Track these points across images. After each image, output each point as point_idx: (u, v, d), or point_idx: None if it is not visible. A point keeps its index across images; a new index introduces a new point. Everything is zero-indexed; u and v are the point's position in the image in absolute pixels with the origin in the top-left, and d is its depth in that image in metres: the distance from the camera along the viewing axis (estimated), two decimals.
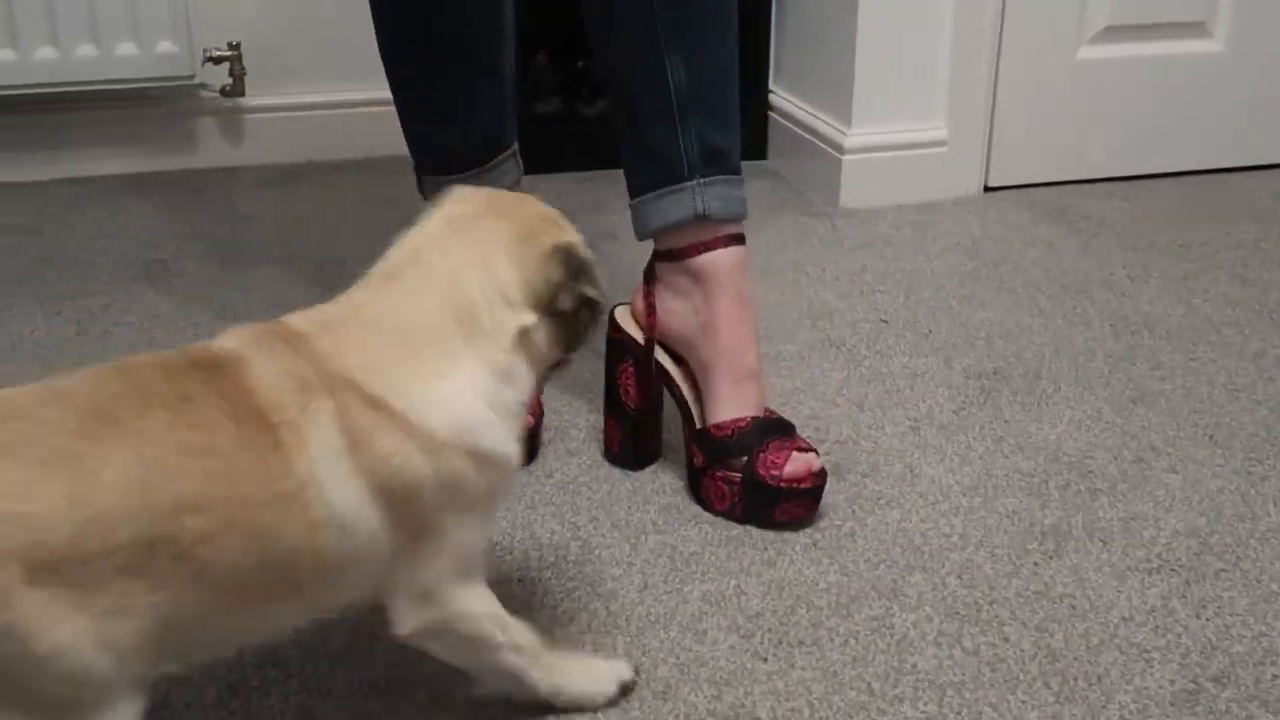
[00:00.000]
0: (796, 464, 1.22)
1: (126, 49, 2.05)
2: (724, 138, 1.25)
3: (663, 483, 1.30)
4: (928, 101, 2.08)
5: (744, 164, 1.28)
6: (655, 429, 1.34)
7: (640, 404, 1.31)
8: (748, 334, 1.26)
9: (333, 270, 1.79)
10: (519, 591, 1.13)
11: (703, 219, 1.24)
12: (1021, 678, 1.03)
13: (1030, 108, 2.13)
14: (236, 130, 2.23)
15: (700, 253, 1.25)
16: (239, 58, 2.16)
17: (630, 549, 1.19)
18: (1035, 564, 1.18)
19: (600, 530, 1.22)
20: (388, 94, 1.42)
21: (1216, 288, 1.79)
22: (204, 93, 2.18)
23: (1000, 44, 2.08)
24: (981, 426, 1.42)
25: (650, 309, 1.29)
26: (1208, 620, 1.10)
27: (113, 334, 1.61)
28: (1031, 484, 1.30)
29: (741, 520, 1.23)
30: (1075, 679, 1.03)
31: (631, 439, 1.32)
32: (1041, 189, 2.17)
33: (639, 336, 1.30)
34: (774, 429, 1.25)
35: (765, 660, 1.05)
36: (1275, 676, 1.03)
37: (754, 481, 1.22)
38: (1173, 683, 1.02)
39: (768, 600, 1.12)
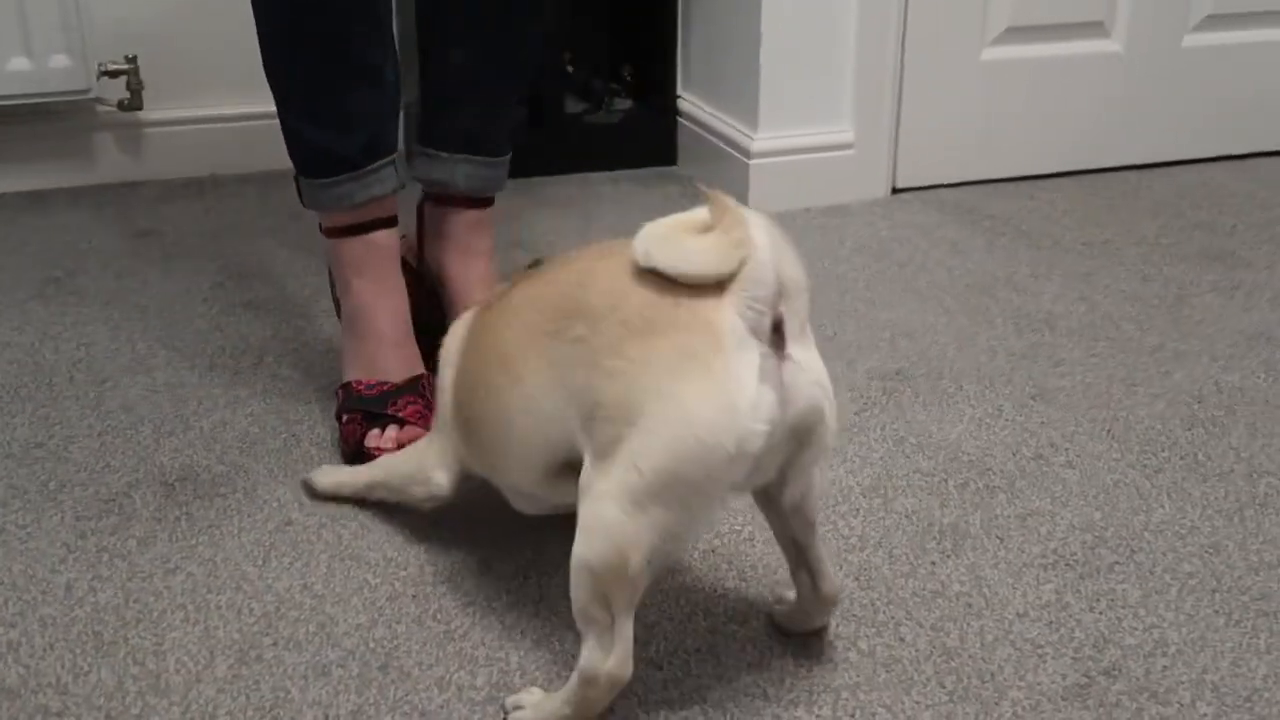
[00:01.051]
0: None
1: (19, 64, 2.00)
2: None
3: None
4: (833, 104, 2.09)
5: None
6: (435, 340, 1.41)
7: (425, 318, 1.46)
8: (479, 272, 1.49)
9: (233, 286, 1.76)
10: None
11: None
12: (916, 677, 1.03)
13: (936, 109, 2.14)
14: (135, 144, 2.18)
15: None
16: (136, 71, 2.11)
17: (532, 556, 1.18)
18: (933, 563, 1.18)
19: (494, 541, 1.21)
20: None
21: (1117, 284, 1.81)
22: (100, 107, 2.13)
23: (904, 46, 2.09)
24: (883, 427, 1.42)
25: (420, 240, 1.55)
26: (1100, 614, 1.11)
27: (0, 354, 1.57)
28: (931, 483, 1.31)
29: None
30: (969, 677, 1.03)
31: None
32: (949, 189, 2.18)
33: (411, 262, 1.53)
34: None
35: (660, 668, 1.04)
36: (1165, 668, 1.04)
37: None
38: (1064, 677, 1.03)
39: (665, 608, 1.11)
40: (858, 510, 1.26)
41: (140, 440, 1.38)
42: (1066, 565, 1.18)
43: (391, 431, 1.32)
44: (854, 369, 1.55)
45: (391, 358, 1.38)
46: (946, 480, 1.32)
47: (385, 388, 1.35)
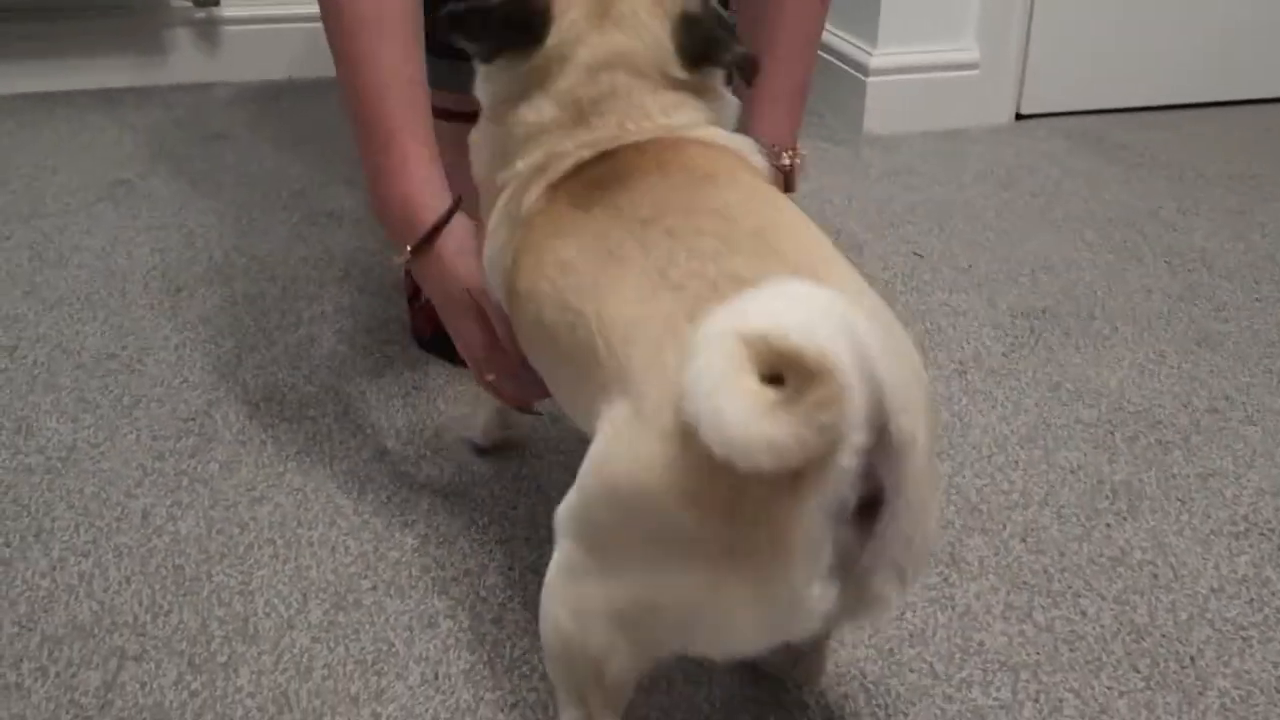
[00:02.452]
0: None
1: None
2: None
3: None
4: (958, 21, 1.92)
5: None
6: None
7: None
8: None
9: (311, 196, 1.64)
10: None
11: None
12: (1105, 659, 0.90)
13: (1067, 31, 1.97)
14: (211, 43, 2.06)
15: None
16: None
17: None
18: (1108, 526, 1.04)
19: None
20: None
21: (1274, 222, 1.65)
22: (176, 3, 2.00)
23: None
24: (1034, 371, 1.28)
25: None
26: None
27: (70, 259, 1.45)
28: (1096, 435, 1.17)
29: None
30: (1166, 660, 0.90)
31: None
32: (1077, 117, 2.02)
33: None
34: None
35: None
36: None
37: None
38: (1276, 665, 0.90)
39: None
40: (1016, 462, 1.13)
41: (221, 355, 1.26)
42: (1261, 534, 1.04)
43: None
44: (994, 305, 1.41)
45: None
46: (1113, 433, 1.18)
47: None
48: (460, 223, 0.94)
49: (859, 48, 1.93)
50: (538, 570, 0.96)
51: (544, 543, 1.00)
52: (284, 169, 1.72)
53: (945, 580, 0.97)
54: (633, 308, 0.69)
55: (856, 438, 0.58)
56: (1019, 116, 2.01)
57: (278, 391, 1.20)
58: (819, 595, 0.63)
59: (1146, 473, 1.12)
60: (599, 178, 0.79)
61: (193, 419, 1.15)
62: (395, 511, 1.04)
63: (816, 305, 0.58)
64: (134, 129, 1.86)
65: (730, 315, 0.58)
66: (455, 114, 1.20)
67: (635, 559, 0.66)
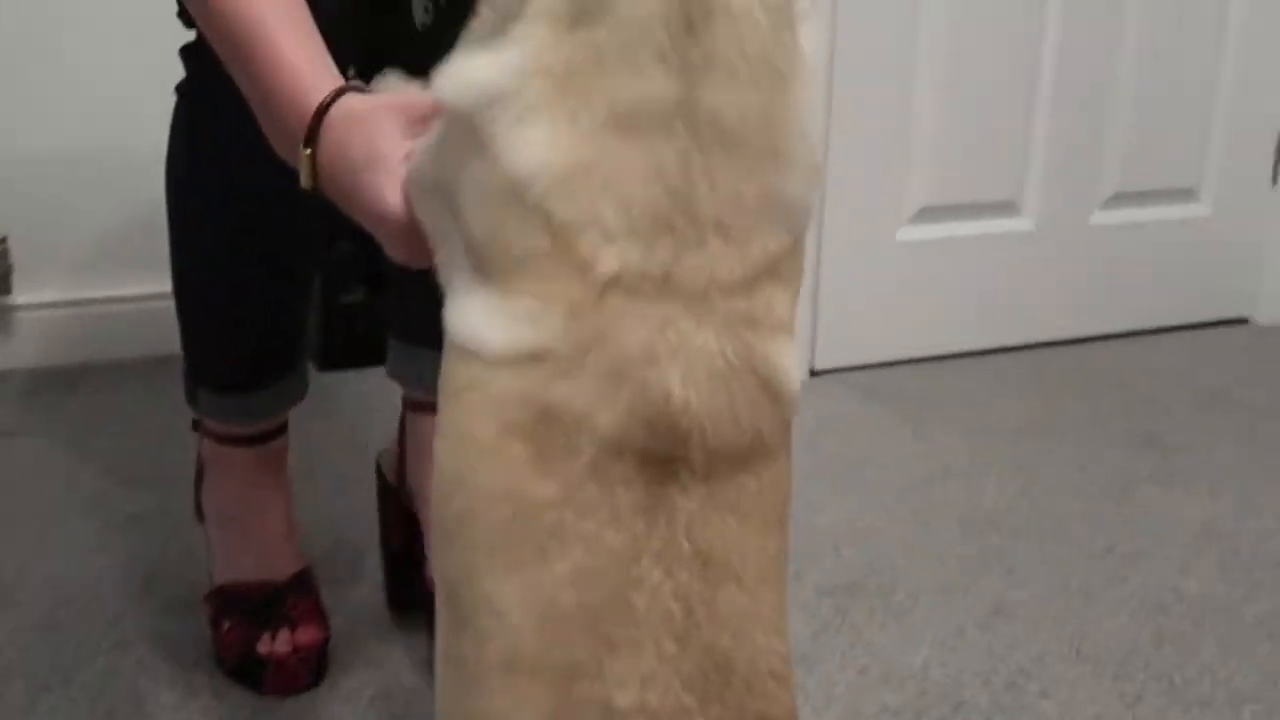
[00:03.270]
0: None
1: None
2: None
3: None
4: None
5: None
6: (412, 572, 1.31)
7: (399, 543, 1.33)
8: None
9: (113, 497, 1.60)
10: None
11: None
12: None
13: (853, 289, 2.09)
14: (1, 332, 2.01)
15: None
16: (5, 252, 1.96)
17: None
18: None
19: None
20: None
21: (1056, 475, 1.75)
22: None
23: (821, 227, 2.04)
24: (843, 654, 1.32)
25: (401, 457, 1.33)
26: None
27: None
28: None
29: None
30: None
31: (391, 578, 1.36)
32: (867, 370, 2.12)
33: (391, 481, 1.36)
34: None
35: None
36: None
37: None
38: None
39: None
40: None
41: (10, 700, 1.20)
42: None
43: (285, 634, 1.22)
44: (803, 583, 1.45)
45: (277, 554, 1.28)
46: (920, 717, 1.21)
47: (272, 587, 1.25)
48: (357, 96, 0.81)
49: None
50: None
51: None
52: (81, 467, 1.68)
53: None
54: None
55: None
56: (813, 372, 2.10)
57: None
58: None
59: None
60: None
61: None
62: None
63: None
64: None
65: None
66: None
67: None
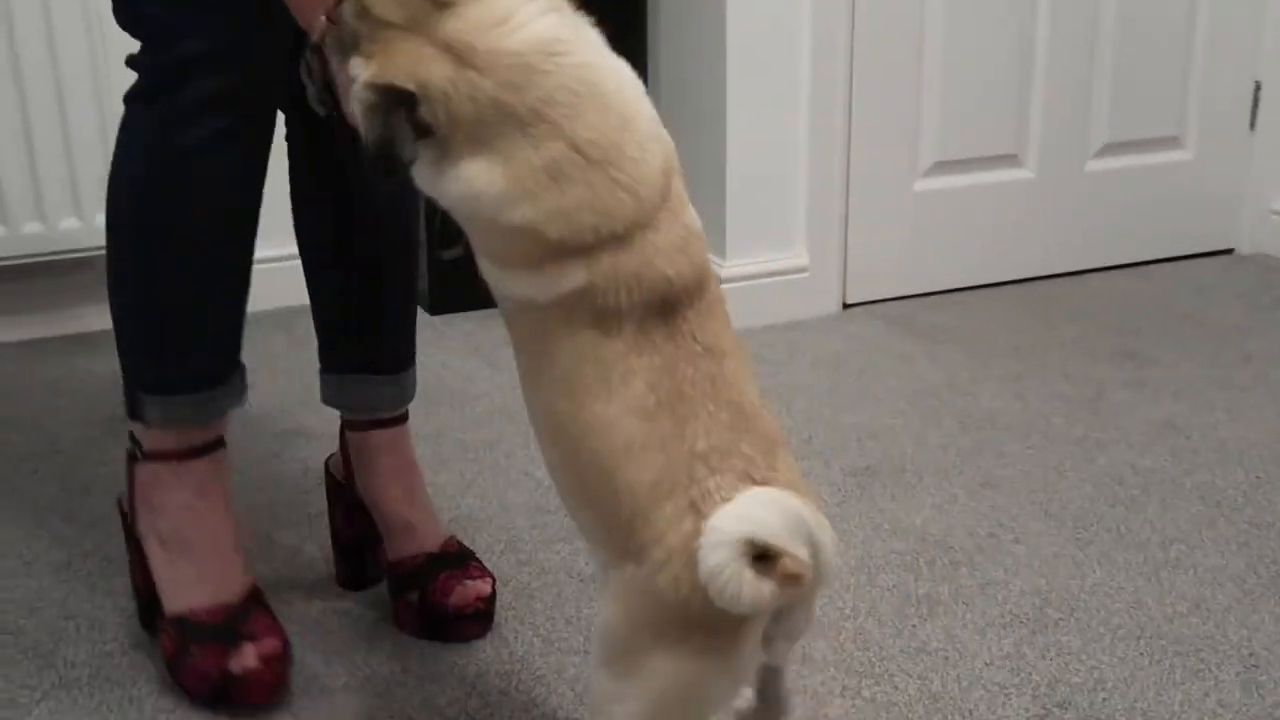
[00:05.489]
0: (464, 592, 1.40)
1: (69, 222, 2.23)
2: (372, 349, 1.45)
3: None
4: (790, 234, 2.39)
5: None
6: (364, 558, 1.49)
7: (348, 537, 1.49)
8: (399, 492, 1.45)
9: None
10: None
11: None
12: (910, 717, 1.29)
13: (877, 234, 2.45)
14: None
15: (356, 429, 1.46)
16: None
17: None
18: (913, 626, 1.44)
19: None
20: None
21: (1045, 384, 2.11)
22: None
23: (848, 181, 2.40)
24: (861, 515, 1.69)
25: (346, 460, 1.48)
26: (1051, 660, 1.38)
27: None
28: (905, 561, 1.58)
29: (428, 638, 1.40)
30: (952, 714, 1.29)
31: (344, 565, 1.51)
32: (891, 303, 2.48)
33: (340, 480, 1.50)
34: (446, 562, 1.42)
35: None
36: (1105, 700, 1.31)
37: (428, 608, 1.40)
38: (1027, 710, 1.30)
39: None
40: (848, 586, 1.53)
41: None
42: (1021, 623, 1.45)
43: (249, 648, 1.27)
44: (830, 467, 1.83)
45: (230, 572, 1.33)
46: (918, 558, 1.59)
47: (230, 609, 1.30)
48: None
49: (712, 260, 2.38)
50: None
51: None
52: None
53: (799, 672, 1.36)
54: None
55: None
56: (845, 306, 2.47)
57: None
58: (752, 657, 0.97)
59: (942, 586, 1.53)
60: None
61: None
62: None
63: (787, 509, 0.91)
64: None
65: (730, 521, 0.90)
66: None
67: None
